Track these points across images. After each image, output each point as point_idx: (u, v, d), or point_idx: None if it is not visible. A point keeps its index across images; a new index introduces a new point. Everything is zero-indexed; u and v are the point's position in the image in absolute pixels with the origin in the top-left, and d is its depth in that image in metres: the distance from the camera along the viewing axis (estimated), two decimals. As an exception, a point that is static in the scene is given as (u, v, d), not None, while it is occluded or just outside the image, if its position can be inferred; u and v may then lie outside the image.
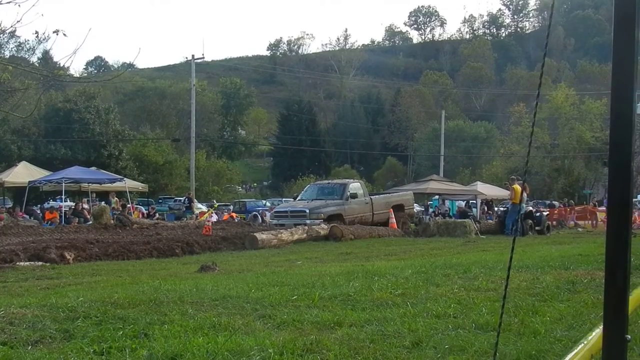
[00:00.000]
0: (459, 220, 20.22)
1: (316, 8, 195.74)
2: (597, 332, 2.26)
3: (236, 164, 69.27)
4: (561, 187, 45.03)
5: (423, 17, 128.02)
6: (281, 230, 15.18)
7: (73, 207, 25.30)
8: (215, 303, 4.97)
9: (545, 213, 22.21)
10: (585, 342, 2.28)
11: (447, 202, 32.61)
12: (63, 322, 4.22)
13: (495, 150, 59.42)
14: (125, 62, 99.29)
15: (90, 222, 20.45)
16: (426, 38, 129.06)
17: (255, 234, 14.34)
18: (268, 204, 43.89)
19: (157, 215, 28.61)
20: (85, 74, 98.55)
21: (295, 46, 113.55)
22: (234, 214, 30.10)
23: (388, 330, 3.99)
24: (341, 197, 18.87)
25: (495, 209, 30.53)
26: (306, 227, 15.73)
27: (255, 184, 76.70)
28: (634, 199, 1.83)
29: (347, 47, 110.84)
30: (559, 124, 52.57)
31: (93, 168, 28.10)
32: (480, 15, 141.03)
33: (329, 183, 21.62)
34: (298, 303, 4.96)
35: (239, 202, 45.67)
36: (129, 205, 24.12)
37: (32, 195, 25.91)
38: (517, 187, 18.32)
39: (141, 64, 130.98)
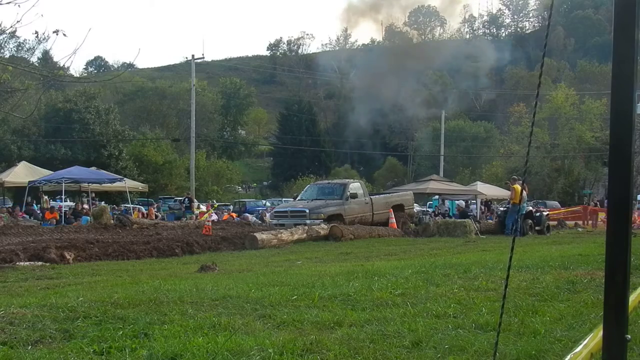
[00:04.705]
0: (459, 220, 20.21)
1: (316, 8, 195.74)
2: (597, 332, 2.26)
3: (236, 164, 69.18)
4: (561, 187, 45.01)
5: (423, 17, 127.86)
6: (281, 230, 15.17)
7: (73, 207, 25.30)
8: (215, 303, 4.97)
9: (545, 213, 22.19)
10: (585, 342, 2.28)
11: (447, 202, 32.61)
12: (63, 322, 4.22)
13: (495, 150, 59.37)
14: (125, 62, 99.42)
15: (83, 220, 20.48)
16: (426, 38, 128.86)
17: (255, 234, 14.34)
18: (268, 204, 43.90)
19: (159, 215, 28.64)
20: (85, 74, 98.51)
21: (295, 46, 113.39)
22: (234, 214, 30.11)
23: (388, 330, 3.99)
24: (341, 197, 18.86)
25: (494, 207, 30.53)
26: (306, 227, 15.71)
27: (255, 184, 76.62)
28: (634, 199, 1.83)
29: (347, 47, 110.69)
30: (559, 124, 52.50)
31: (93, 168, 28.07)
32: (480, 15, 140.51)
33: (329, 183, 21.59)
34: (298, 303, 4.96)
35: (239, 202, 45.69)
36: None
37: (32, 195, 25.89)
38: (517, 187, 18.31)
39: (141, 64, 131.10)
